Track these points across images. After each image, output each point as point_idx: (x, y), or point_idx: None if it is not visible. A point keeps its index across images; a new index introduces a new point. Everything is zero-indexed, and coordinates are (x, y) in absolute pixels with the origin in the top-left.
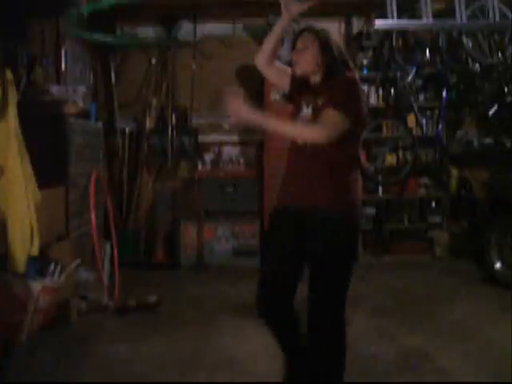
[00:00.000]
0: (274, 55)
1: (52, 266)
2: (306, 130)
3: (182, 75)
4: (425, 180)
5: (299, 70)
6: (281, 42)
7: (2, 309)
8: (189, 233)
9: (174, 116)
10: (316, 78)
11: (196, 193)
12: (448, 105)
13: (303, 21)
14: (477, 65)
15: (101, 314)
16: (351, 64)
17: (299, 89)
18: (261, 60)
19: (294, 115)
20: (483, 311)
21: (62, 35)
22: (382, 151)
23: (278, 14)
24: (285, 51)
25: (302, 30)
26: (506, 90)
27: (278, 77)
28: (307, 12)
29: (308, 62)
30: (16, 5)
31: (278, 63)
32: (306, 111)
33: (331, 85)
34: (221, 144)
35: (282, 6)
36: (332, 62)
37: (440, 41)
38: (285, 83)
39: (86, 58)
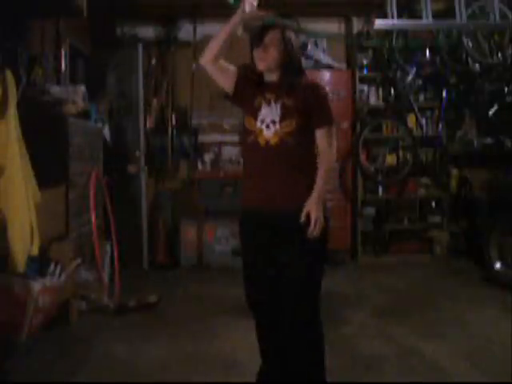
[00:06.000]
0: (221, 54)
1: (52, 266)
2: (330, 163)
3: (182, 75)
4: (425, 180)
5: (264, 67)
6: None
7: (2, 309)
8: (189, 233)
9: (173, 116)
10: (273, 77)
11: (196, 193)
12: (448, 105)
13: (302, 21)
14: (477, 65)
15: (101, 314)
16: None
17: (250, 87)
18: (206, 59)
19: (253, 114)
20: (483, 311)
21: (62, 35)
22: (382, 151)
23: (279, 13)
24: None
25: (268, 26)
26: (506, 89)
27: (221, 74)
28: (307, 11)
29: (274, 60)
30: (16, 5)
31: (222, 61)
32: (269, 110)
33: (301, 86)
34: (221, 144)
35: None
36: (292, 63)
37: (440, 41)
38: (228, 81)
39: (86, 57)
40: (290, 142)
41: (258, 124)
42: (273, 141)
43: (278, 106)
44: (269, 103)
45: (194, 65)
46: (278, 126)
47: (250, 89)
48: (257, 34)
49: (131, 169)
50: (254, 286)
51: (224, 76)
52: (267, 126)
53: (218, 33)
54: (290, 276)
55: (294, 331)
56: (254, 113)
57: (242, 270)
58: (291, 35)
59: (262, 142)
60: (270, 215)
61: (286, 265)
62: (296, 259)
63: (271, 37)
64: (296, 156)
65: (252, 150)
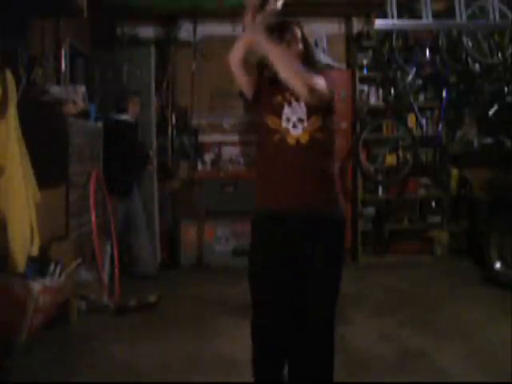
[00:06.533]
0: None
1: (52, 266)
2: (305, 77)
3: (182, 75)
4: (425, 180)
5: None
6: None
7: (2, 309)
8: (189, 233)
9: (173, 116)
10: None
11: (196, 193)
12: (448, 105)
13: (301, 20)
14: (477, 65)
15: (101, 314)
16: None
17: (268, 86)
18: (235, 59)
19: (276, 113)
20: (483, 311)
21: (62, 35)
22: (382, 151)
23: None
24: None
25: (287, 22)
26: (506, 89)
27: (248, 76)
28: (307, 11)
29: (297, 56)
30: (16, 5)
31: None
32: (293, 108)
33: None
34: (221, 144)
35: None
36: (310, 59)
37: (440, 41)
38: (250, 85)
39: (86, 57)
40: (320, 138)
41: (284, 123)
42: (304, 139)
43: (302, 103)
44: (290, 102)
45: (193, 65)
46: (306, 123)
47: (267, 87)
48: (276, 31)
49: (149, 168)
50: (275, 292)
51: (250, 77)
52: (294, 125)
53: (244, 32)
54: (321, 280)
55: (315, 332)
56: (278, 112)
57: (257, 273)
58: (307, 33)
59: (291, 141)
60: (307, 218)
61: (319, 270)
62: (329, 264)
63: (292, 33)
64: (325, 151)
65: (278, 150)
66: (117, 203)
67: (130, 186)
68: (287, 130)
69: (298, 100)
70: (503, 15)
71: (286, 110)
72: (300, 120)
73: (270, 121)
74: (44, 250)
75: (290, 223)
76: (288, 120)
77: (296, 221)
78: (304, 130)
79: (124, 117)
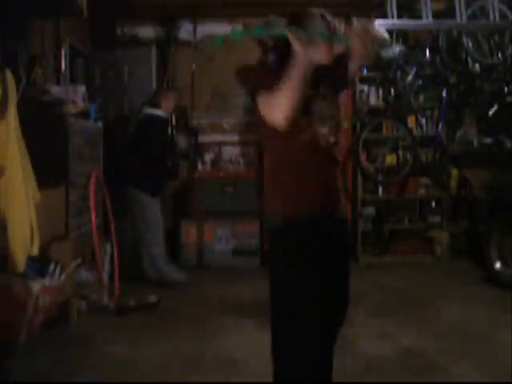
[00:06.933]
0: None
1: (52, 266)
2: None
3: (182, 75)
4: (425, 180)
5: (328, 62)
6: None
7: (2, 309)
8: (189, 233)
9: (173, 116)
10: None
11: (196, 193)
12: (448, 105)
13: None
14: (477, 65)
15: (101, 314)
16: None
17: None
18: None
19: (305, 110)
20: (483, 311)
21: (62, 35)
22: (381, 151)
23: (278, 14)
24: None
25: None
26: (506, 89)
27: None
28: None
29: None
30: (16, 5)
31: None
32: (323, 104)
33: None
34: (221, 144)
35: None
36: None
37: (440, 41)
38: None
39: (86, 57)
40: (340, 135)
41: (315, 121)
42: (330, 138)
43: (329, 98)
44: (324, 97)
45: (193, 65)
46: (333, 121)
47: None
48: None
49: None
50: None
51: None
52: (323, 123)
53: (288, 82)
54: (348, 283)
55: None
56: (308, 108)
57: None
58: None
59: (321, 141)
60: (342, 220)
61: (348, 274)
62: (349, 266)
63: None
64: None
65: (309, 150)
66: (149, 202)
67: (162, 185)
68: (318, 129)
69: (326, 93)
70: (503, 15)
71: (317, 106)
72: (331, 117)
73: (297, 118)
74: (44, 250)
75: (333, 227)
76: (320, 118)
77: (334, 225)
78: (331, 127)
79: (158, 112)
